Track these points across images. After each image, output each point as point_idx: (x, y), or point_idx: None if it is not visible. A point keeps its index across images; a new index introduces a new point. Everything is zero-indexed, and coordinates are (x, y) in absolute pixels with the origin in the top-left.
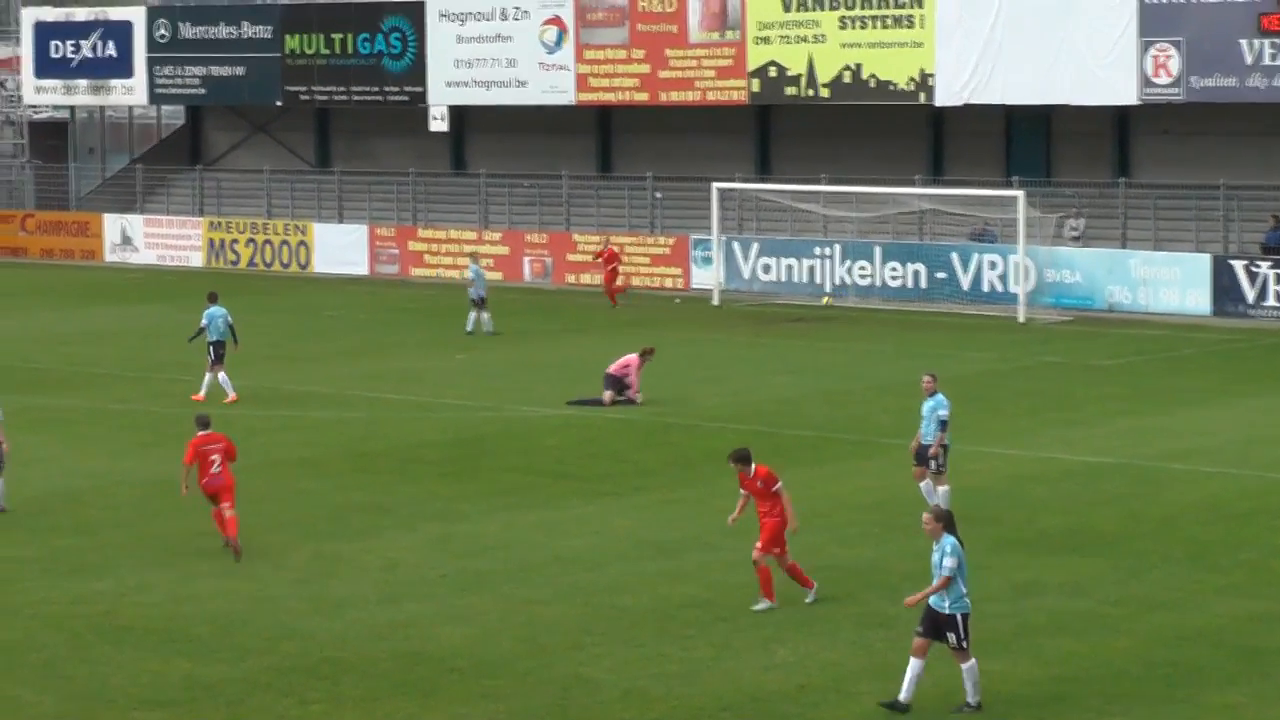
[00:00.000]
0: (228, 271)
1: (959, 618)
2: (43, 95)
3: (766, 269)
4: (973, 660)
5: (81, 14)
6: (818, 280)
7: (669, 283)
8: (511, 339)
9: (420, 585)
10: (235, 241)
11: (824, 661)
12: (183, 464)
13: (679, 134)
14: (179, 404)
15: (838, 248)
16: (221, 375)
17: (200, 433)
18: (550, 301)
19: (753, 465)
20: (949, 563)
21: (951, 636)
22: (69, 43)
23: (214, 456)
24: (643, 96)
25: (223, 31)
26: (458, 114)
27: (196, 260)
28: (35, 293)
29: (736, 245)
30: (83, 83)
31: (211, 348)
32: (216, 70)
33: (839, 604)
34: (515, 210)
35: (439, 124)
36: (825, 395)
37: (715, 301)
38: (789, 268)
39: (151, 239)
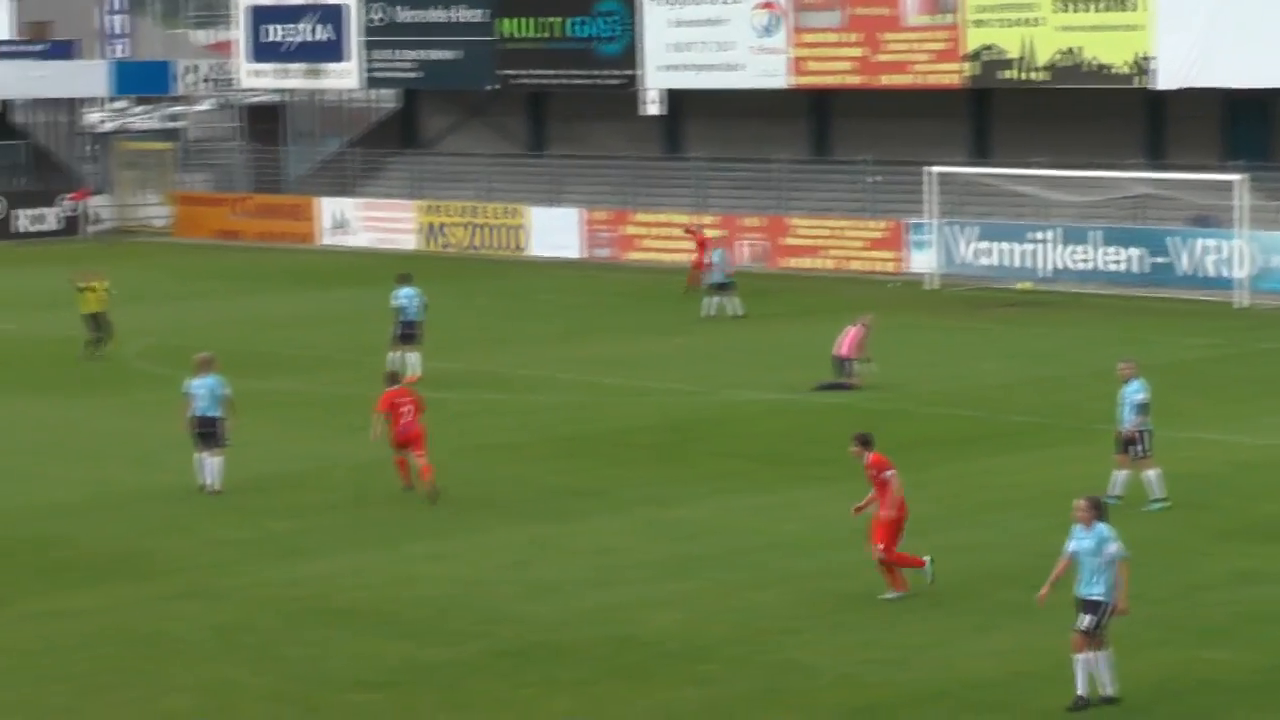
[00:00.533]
0: (441, 255)
1: (1106, 605)
2: (257, 79)
3: (983, 253)
4: (1110, 649)
5: None
6: (1034, 265)
7: (884, 267)
8: (726, 323)
9: (633, 569)
10: (449, 225)
11: (1040, 648)
12: (375, 411)
13: (894, 117)
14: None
15: (1055, 232)
16: (412, 356)
17: (391, 387)
18: (765, 285)
19: (869, 451)
20: (1114, 548)
21: (1088, 619)
22: (284, 26)
23: (406, 407)
24: (857, 80)
25: (437, 15)
26: (672, 98)
27: (410, 244)
28: (249, 276)
29: (952, 229)
30: (297, 66)
31: (401, 327)
32: (431, 54)
33: (1057, 591)
34: (730, 194)
35: (653, 108)
36: (1039, 381)
37: (930, 286)
38: (1005, 252)
39: (366, 222)
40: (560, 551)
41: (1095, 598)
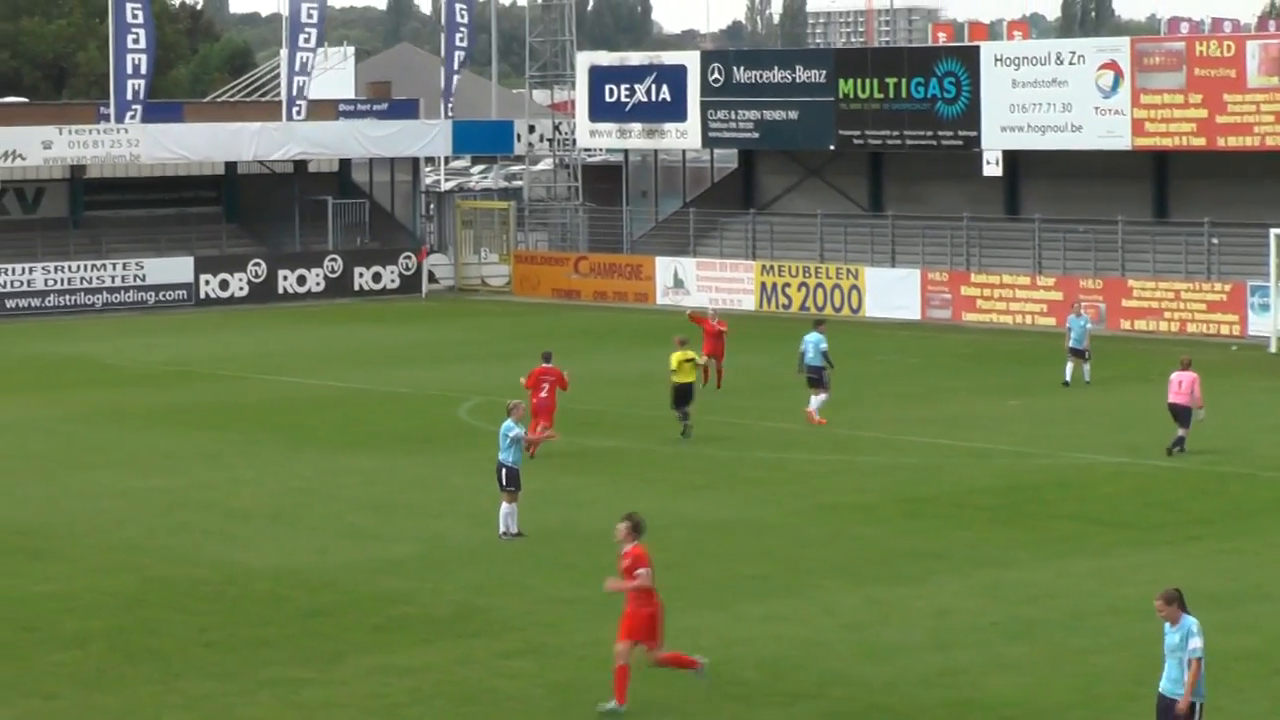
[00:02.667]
0: (779, 315)
1: (1198, 706)
2: (596, 139)
3: None
4: None
5: (636, 58)
6: None
7: (1225, 330)
8: (1067, 387)
9: (971, 632)
10: (787, 285)
11: None
12: (525, 386)
13: (1235, 179)
14: (732, 447)
15: None
16: (816, 398)
17: (543, 365)
18: (1105, 347)
19: (634, 541)
20: (1197, 643)
21: None
22: (623, 87)
23: (545, 383)
24: (1200, 141)
25: (776, 75)
26: (1011, 158)
27: (748, 304)
28: (588, 335)
29: None
30: (636, 126)
31: (806, 370)
32: (769, 114)
33: None
34: (1069, 255)
35: (992, 168)
36: None
37: (1273, 349)
38: None
39: (703, 282)
40: (898, 613)
41: (1179, 696)
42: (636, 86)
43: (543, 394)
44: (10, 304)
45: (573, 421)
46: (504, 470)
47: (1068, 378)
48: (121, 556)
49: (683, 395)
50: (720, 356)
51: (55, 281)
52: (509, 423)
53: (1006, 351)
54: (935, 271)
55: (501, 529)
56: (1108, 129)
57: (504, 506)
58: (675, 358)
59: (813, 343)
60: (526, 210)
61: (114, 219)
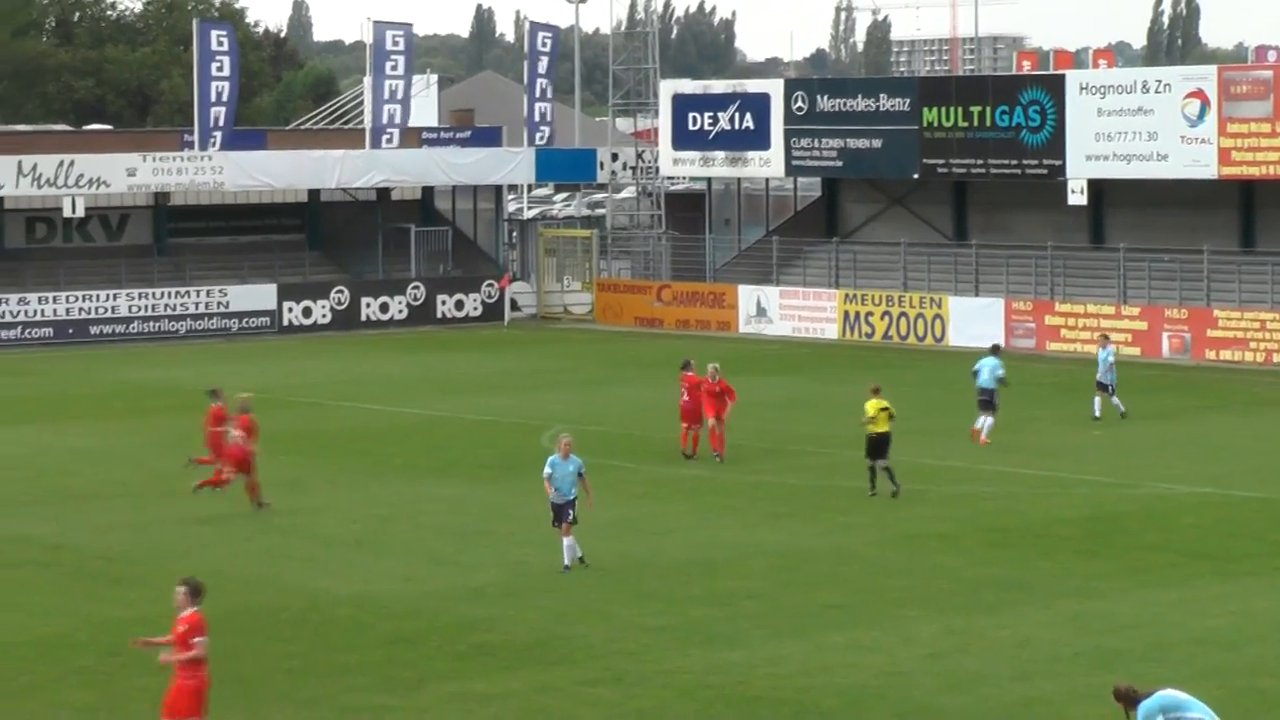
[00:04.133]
0: (862, 344)
1: None
2: (680, 167)
3: None
4: None
5: (719, 86)
6: None
7: None
8: (1150, 415)
9: (1053, 663)
10: (870, 314)
11: None
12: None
13: None
14: (814, 476)
15: None
16: (985, 420)
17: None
18: (1189, 378)
19: (194, 606)
20: None
21: None
22: (706, 114)
23: (692, 389)
24: None
25: (860, 104)
26: (1095, 187)
27: (831, 333)
28: (671, 364)
29: None
30: (719, 154)
31: (978, 393)
32: (853, 143)
33: None
34: (1155, 285)
35: (1077, 197)
36: None
37: None
38: None
39: (786, 311)
40: (980, 643)
41: None
42: (720, 114)
43: (687, 397)
44: (95, 330)
45: (655, 450)
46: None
47: (1096, 412)
48: (205, 582)
49: (878, 447)
50: (721, 416)
51: (139, 308)
52: (578, 460)
53: (1090, 381)
54: (1019, 300)
55: (566, 560)
56: (1194, 158)
57: (566, 541)
58: (870, 406)
59: (988, 366)
60: (609, 238)
61: (198, 246)
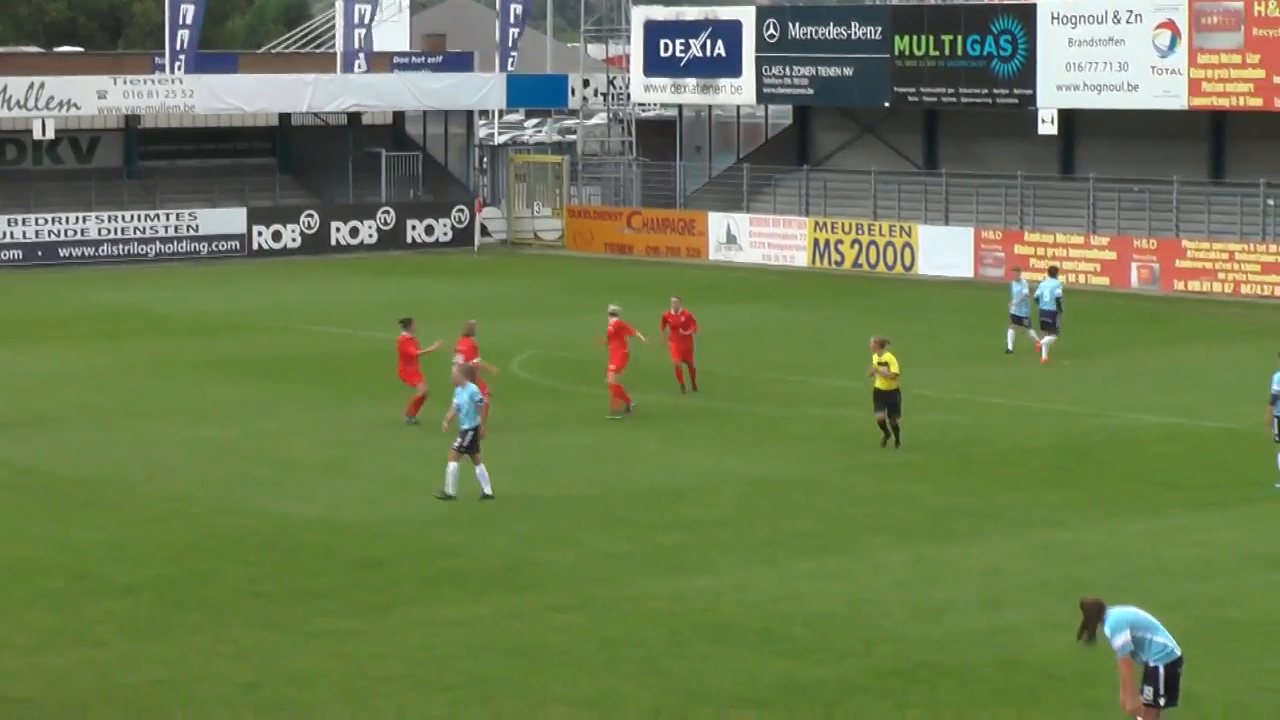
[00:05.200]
0: (831, 272)
1: (1160, 669)
2: (651, 94)
3: None
4: None
5: (691, 13)
6: None
7: None
8: (1119, 346)
9: (1021, 592)
10: (840, 242)
11: None
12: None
13: None
14: (783, 404)
15: None
16: (1046, 339)
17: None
18: (1157, 309)
19: None
20: (1118, 641)
21: (1149, 690)
22: (678, 41)
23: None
24: (1257, 102)
25: (832, 32)
26: (1066, 117)
27: (801, 260)
28: (640, 290)
29: None
30: (691, 81)
31: (1042, 314)
32: (824, 70)
33: None
34: (1124, 215)
35: (1047, 127)
36: None
37: None
38: None
39: (757, 238)
40: (948, 572)
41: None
42: (692, 41)
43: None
44: (64, 253)
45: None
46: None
47: (1009, 346)
48: (173, 506)
49: (885, 401)
50: (690, 356)
51: (109, 231)
52: (473, 388)
53: (1068, 311)
54: (989, 230)
55: (452, 490)
56: (1164, 88)
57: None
58: (875, 360)
59: (1049, 288)
60: (580, 165)
61: (168, 169)
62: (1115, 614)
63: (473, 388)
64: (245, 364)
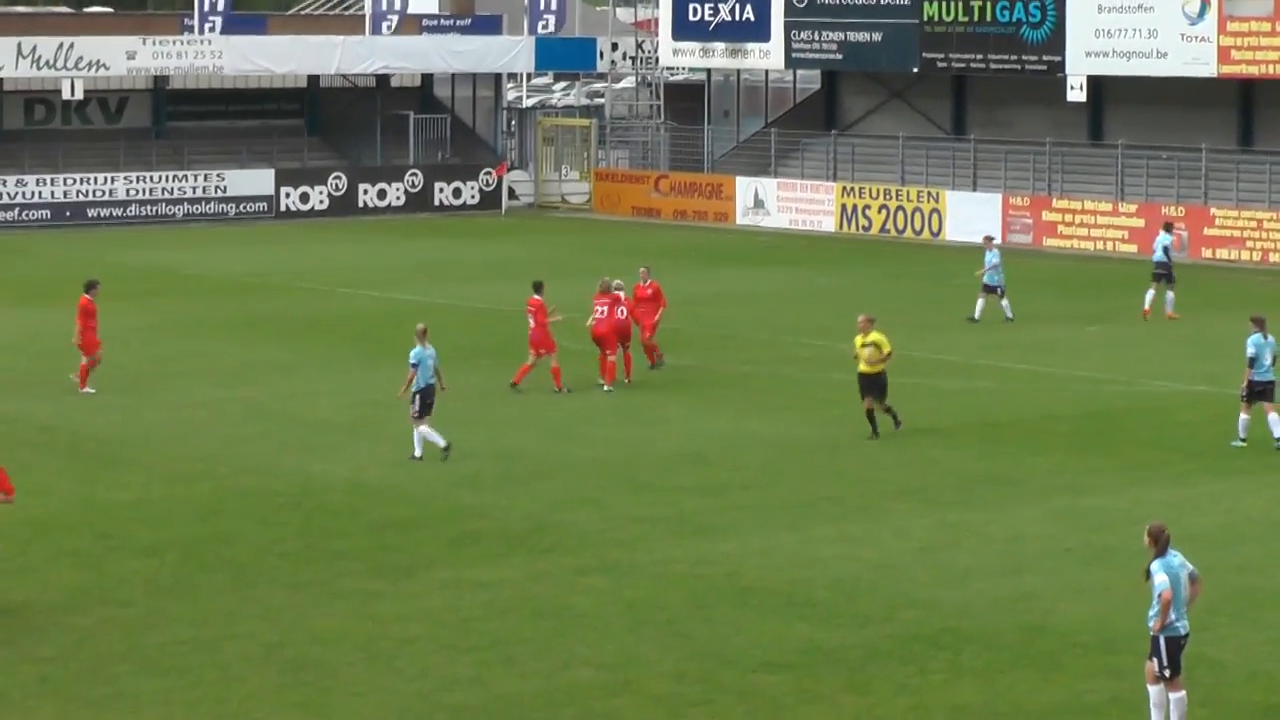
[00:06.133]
0: (858, 237)
1: (1162, 641)
2: (679, 57)
3: None
4: (1182, 692)
5: None
6: None
7: None
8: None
9: (1045, 558)
10: (867, 207)
11: None
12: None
13: None
14: (809, 368)
15: None
16: (1169, 294)
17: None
18: (1185, 275)
19: None
20: (1158, 580)
21: (1154, 662)
22: (707, 5)
23: (600, 308)
24: None
25: None
26: (1095, 84)
27: (828, 225)
28: (667, 254)
29: None
30: (719, 45)
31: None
32: (853, 35)
33: None
34: (1152, 183)
35: (1076, 94)
36: None
37: None
38: None
39: (784, 203)
40: (972, 537)
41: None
42: (720, 5)
43: (598, 316)
44: (92, 213)
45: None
46: (428, 391)
47: (976, 314)
48: (198, 466)
49: (870, 385)
50: (649, 328)
51: (137, 191)
52: (432, 349)
53: (1087, 278)
54: (1017, 196)
55: (420, 451)
56: (1193, 56)
57: (430, 431)
58: (858, 341)
59: (1160, 242)
60: (608, 128)
61: (196, 130)
62: (1163, 562)
63: (431, 349)
64: (272, 324)
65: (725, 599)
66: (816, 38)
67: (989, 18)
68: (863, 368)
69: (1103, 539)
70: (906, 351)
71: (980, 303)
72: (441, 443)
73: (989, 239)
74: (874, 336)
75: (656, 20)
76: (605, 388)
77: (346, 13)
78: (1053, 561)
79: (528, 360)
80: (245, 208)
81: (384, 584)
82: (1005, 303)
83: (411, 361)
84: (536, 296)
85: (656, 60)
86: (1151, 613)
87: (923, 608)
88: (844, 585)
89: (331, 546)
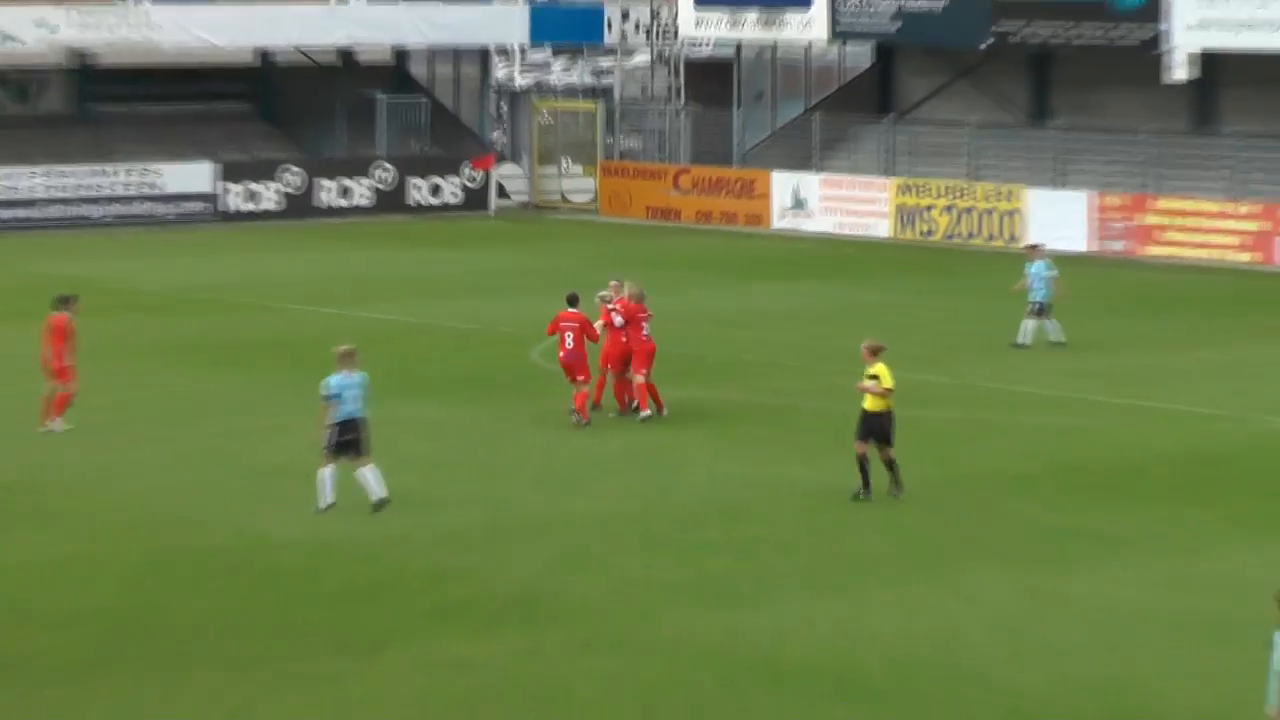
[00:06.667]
0: (919, 244)
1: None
2: (703, 29)
3: None
4: None
5: None
6: None
7: None
8: (1262, 335)
9: (1146, 631)
10: (930, 208)
11: None
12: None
13: None
14: (856, 401)
15: None
16: (1048, 324)
17: (566, 310)
18: None
19: None
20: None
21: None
22: None
23: (569, 333)
24: None
25: None
26: (1204, 61)
27: (882, 230)
28: (689, 264)
29: None
30: (751, 13)
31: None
32: (912, 3)
33: None
34: (1272, 179)
35: (1180, 72)
36: None
37: None
38: None
39: (829, 203)
40: (1058, 606)
41: None
42: None
43: (568, 345)
44: (0, 215)
45: (669, 368)
46: (346, 427)
47: (1020, 339)
48: (126, 519)
49: (872, 427)
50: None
51: (53, 189)
52: (360, 376)
53: (1195, 292)
54: (1110, 195)
55: (332, 499)
56: None
57: (367, 474)
58: (867, 373)
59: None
60: (618, 113)
61: (125, 116)
62: None
63: (360, 376)
64: (215, 349)
65: (760, 681)
66: (868, 5)
67: None
68: (866, 404)
69: (1215, 607)
70: (973, 381)
71: (1030, 325)
72: (379, 494)
73: (1033, 247)
74: (877, 368)
75: None
76: (642, 414)
77: None
78: (1155, 637)
79: (596, 376)
80: (183, 208)
81: (348, 663)
82: (1050, 323)
83: (324, 394)
84: (624, 299)
85: (676, 32)
86: (1271, 691)
87: (998, 692)
88: (903, 663)
89: (285, 618)
